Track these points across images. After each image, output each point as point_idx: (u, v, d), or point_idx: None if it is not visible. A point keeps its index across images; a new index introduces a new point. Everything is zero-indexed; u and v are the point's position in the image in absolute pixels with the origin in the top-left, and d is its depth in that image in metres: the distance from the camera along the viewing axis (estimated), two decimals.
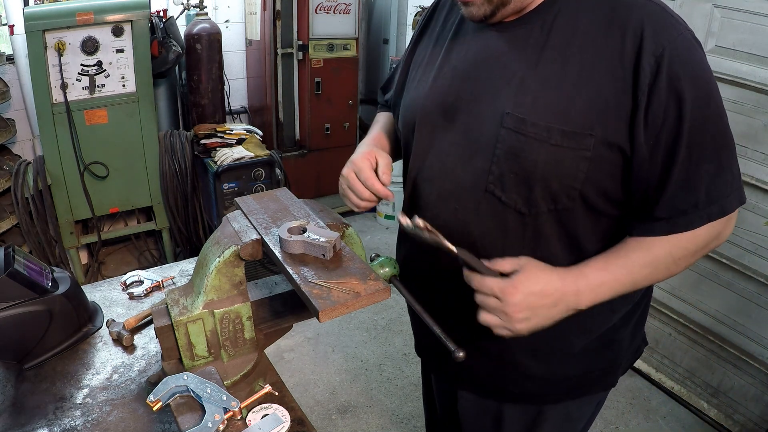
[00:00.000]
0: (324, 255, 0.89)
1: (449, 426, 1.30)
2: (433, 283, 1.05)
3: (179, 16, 3.37)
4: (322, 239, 0.89)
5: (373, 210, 4.21)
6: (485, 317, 0.87)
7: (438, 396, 1.37)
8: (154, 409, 0.87)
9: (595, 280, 0.87)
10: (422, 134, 1.03)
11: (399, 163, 1.20)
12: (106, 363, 1.12)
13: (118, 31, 2.75)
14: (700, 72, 0.83)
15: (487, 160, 0.91)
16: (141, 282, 1.40)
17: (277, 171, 3.14)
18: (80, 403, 1.01)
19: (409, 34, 3.79)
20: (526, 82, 0.88)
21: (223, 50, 3.31)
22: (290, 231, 0.92)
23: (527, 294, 0.84)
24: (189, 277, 1.28)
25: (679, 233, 0.86)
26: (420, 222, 0.86)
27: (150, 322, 1.23)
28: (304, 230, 0.92)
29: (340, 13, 3.58)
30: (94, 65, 2.76)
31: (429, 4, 1.18)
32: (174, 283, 1.40)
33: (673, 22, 0.83)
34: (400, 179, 1.17)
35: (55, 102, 2.71)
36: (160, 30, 3.02)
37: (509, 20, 0.92)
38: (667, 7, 0.85)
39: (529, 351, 1.02)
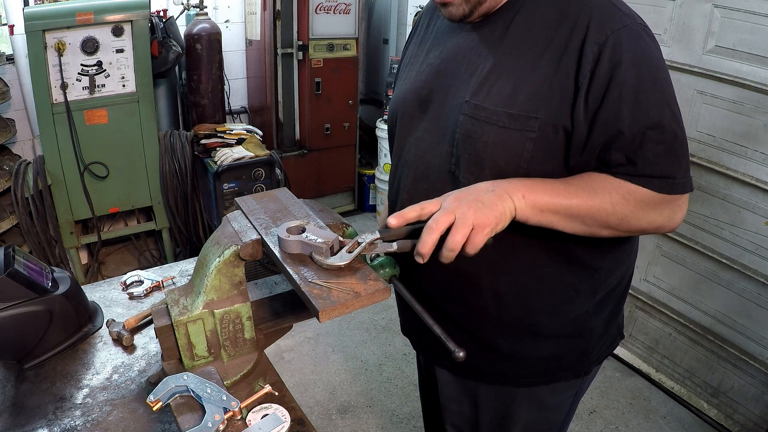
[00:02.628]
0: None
1: (436, 410, 1.33)
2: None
3: (179, 16, 3.37)
4: (320, 239, 0.89)
5: (373, 210, 4.21)
6: (436, 223, 0.81)
7: (428, 379, 1.41)
8: (154, 409, 0.87)
9: (530, 181, 0.89)
10: (403, 124, 1.13)
11: None
12: (106, 363, 1.12)
13: (118, 31, 2.75)
14: (644, 59, 0.87)
15: (450, 144, 1.01)
16: (141, 282, 1.40)
17: (277, 171, 3.14)
18: (80, 403, 1.01)
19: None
20: (485, 74, 0.97)
21: (223, 50, 3.31)
22: (289, 231, 0.92)
23: (460, 191, 0.86)
24: (189, 277, 1.28)
25: (620, 179, 0.89)
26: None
27: (150, 322, 1.23)
28: (304, 230, 0.92)
29: (340, 13, 3.58)
30: (94, 65, 2.76)
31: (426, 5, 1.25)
32: (174, 283, 1.40)
33: (620, 15, 0.89)
34: None
35: (55, 102, 2.71)
36: (160, 30, 3.02)
37: (478, 20, 1.00)
38: (620, 3, 0.92)
39: (499, 329, 1.07)
